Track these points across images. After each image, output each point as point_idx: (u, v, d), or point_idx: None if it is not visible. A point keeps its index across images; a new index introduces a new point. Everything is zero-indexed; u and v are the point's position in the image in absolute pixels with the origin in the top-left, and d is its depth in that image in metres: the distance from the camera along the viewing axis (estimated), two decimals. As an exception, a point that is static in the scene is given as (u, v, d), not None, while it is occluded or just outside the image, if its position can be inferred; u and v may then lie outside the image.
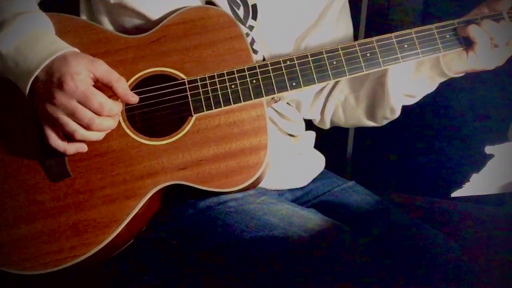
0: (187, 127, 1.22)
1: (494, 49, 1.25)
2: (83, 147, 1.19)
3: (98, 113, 1.13)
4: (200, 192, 1.21)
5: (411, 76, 1.37)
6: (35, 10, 1.22)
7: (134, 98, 1.19)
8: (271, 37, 1.35)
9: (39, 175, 1.21)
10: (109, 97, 1.15)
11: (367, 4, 2.26)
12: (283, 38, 1.37)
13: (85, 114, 1.13)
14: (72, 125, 1.13)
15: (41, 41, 1.17)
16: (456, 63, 1.30)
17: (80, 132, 1.14)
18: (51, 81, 1.12)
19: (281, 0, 1.36)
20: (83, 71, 1.13)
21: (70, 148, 1.18)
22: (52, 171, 1.21)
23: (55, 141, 1.17)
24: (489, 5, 1.28)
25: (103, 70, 1.15)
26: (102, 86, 1.16)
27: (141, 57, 1.25)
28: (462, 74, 1.33)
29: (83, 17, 1.35)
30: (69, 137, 1.17)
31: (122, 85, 1.16)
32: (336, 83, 1.51)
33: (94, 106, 1.12)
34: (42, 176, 1.21)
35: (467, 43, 1.26)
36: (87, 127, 1.14)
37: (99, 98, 1.13)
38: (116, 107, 1.15)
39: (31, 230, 1.18)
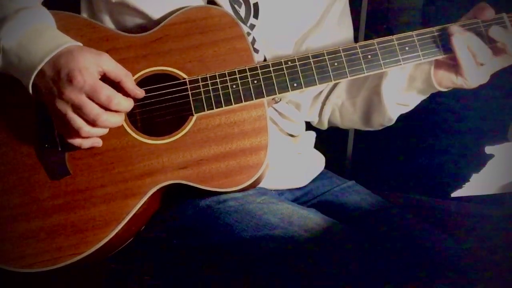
0: (188, 126, 1.22)
1: (481, 67, 1.23)
2: (98, 142, 1.19)
3: (106, 106, 1.12)
4: (200, 191, 1.21)
5: (404, 90, 1.37)
6: (37, 6, 1.22)
7: (141, 93, 1.19)
8: (273, 36, 1.35)
9: (39, 173, 1.21)
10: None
11: (367, 4, 2.26)
12: (285, 37, 1.37)
13: (92, 109, 1.12)
14: (78, 122, 1.13)
15: (44, 35, 1.16)
16: (446, 82, 1.29)
17: (86, 129, 1.13)
18: (59, 77, 1.11)
19: (283, 0, 1.35)
20: (91, 66, 1.12)
21: (86, 143, 1.17)
22: (52, 169, 1.21)
23: (70, 137, 1.16)
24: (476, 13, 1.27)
25: (111, 65, 1.15)
26: (110, 81, 1.15)
27: (143, 56, 1.25)
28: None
29: (84, 15, 1.35)
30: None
31: (131, 80, 1.16)
32: (334, 87, 1.52)
33: (102, 98, 1.11)
34: (42, 174, 1.21)
35: None
36: (92, 123, 1.13)
37: (107, 91, 1.12)
38: (124, 101, 1.14)
39: (31, 227, 1.18)
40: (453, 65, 1.26)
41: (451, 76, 1.28)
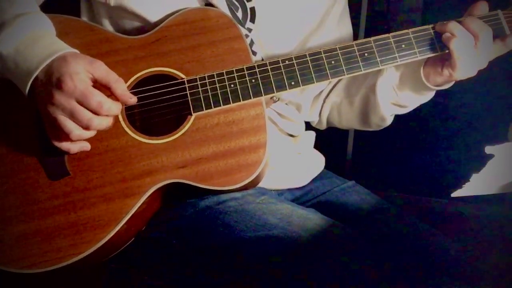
0: (187, 126, 1.22)
1: (472, 60, 1.23)
2: (87, 146, 1.19)
3: (96, 112, 1.13)
4: (199, 190, 1.21)
5: (397, 87, 1.37)
6: (36, 11, 1.22)
7: (132, 99, 1.18)
8: (270, 40, 1.35)
9: (39, 174, 1.21)
10: (108, 97, 1.15)
11: (367, 4, 2.26)
12: (283, 41, 1.37)
13: (84, 114, 1.12)
14: (68, 126, 1.13)
15: (41, 42, 1.16)
16: (434, 74, 1.29)
17: (76, 132, 1.13)
18: (50, 81, 1.12)
19: (280, 5, 1.36)
20: (82, 71, 1.12)
21: (74, 147, 1.17)
22: (52, 170, 1.21)
23: (59, 140, 1.16)
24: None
25: (102, 70, 1.14)
26: (101, 87, 1.15)
27: (141, 57, 1.25)
28: (448, 85, 1.32)
29: (84, 18, 1.35)
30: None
31: (121, 86, 1.15)
32: (334, 86, 1.52)
33: (93, 105, 1.11)
34: (42, 174, 1.21)
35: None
36: (86, 128, 1.14)
37: (98, 97, 1.12)
38: (114, 107, 1.14)
39: (30, 228, 1.18)
40: (440, 57, 1.27)
41: (437, 68, 1.27)
